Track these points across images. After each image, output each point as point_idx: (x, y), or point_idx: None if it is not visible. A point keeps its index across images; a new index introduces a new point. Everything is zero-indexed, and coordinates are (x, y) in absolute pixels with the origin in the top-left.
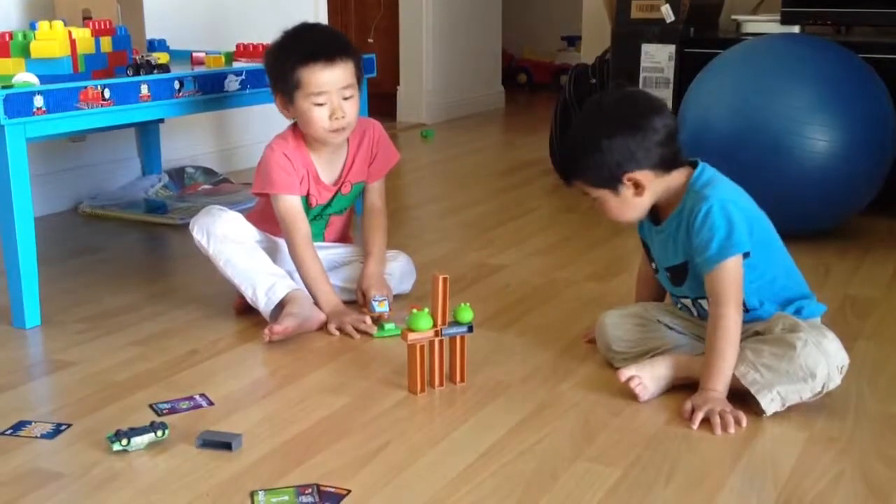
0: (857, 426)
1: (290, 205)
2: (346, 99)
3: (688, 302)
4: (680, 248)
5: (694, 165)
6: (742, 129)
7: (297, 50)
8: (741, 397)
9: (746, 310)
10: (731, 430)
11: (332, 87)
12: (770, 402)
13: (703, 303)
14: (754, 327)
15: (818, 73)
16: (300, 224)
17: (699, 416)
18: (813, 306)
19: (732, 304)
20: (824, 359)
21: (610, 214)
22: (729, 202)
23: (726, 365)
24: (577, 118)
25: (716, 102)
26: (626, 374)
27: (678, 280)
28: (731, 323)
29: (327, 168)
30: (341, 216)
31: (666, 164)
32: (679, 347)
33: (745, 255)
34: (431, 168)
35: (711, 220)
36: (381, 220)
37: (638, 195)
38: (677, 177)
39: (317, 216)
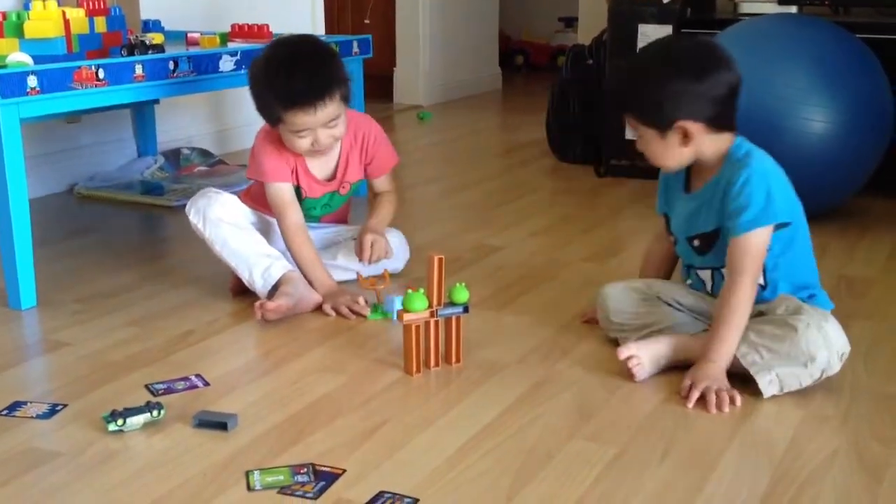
0: (853, 405)
1: (281, 192)
2: (330, 128)
3: (706, 274)
4: (714, 216)
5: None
6: (739, 109)
7: (278, 93)
8: (740, 378)
9: (763, 286)
10: (726, 409)
11: (315, 125)
12: (768, 385)
13: (725, 272)
14: (759, 307)
15: (815, 53)
16: (291, 211)
17: (695, 394)
18: (824, 299)
19: (750, 276)
20: (825, 343)
21: (649, 154)
22: (771, 173)
23: (731, 335)
24: (648, 46)
25: None
26: (625, 352)
27: (704, 248)
28: (744, 294)
29: (318, 163)
30: (334, 212)
31: (719, 123)
32: (679, 325)
33: (781, 226)
34: (428, 150)
35: (751, 187)
36: (390, 196)
37: (683, 145)
38: (723, 140)
39: (311, 208)
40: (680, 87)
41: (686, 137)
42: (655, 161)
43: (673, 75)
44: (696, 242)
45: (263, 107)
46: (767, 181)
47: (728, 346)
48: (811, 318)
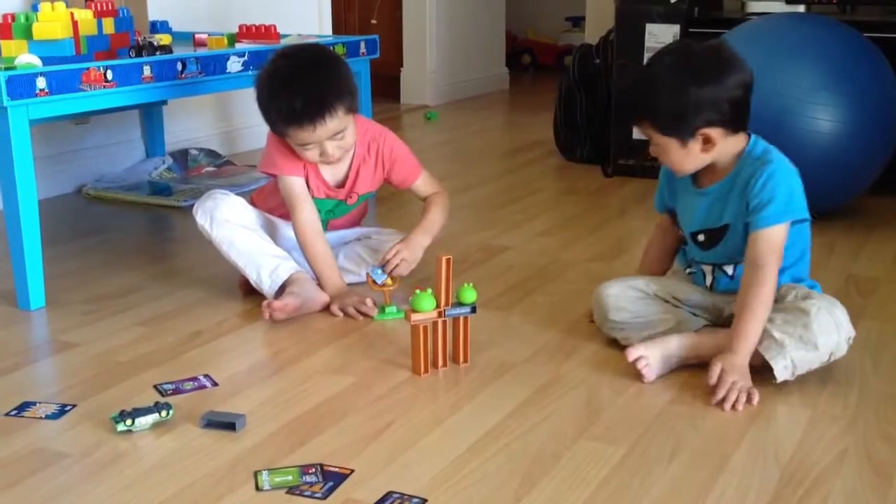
0: (861, 404)
1: (293, 185)
2: (337, 140)
3: (708, 269)
4: (727, 211)
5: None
6: None
7: (279, 111)
8: (749, 365)
9: None
10: (741, 407)
11: (318, 139)
12: (783, 370)
13: (728, 269)
14: None
15: (823, 52)
16: (304, 206)
17: (725, 387)
18: (819, 290)
19: (773, 268)
20: (836, 327)
21: (668, 162)
22: (791, 170)
23: (756, 328)
24: (661, 55)
25: None
26: (634, 353)
27: (710, 243)
28: (768, 286)
29: (330, 168)
30: (341, 219)
31: (737, 125)
32: (679, 322)
33: (797, 222)
34: (435, 149)
35: (775, 181)
36: (436, 198)
37: (704, 151)
38: (740, 140)
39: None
40: (699, 95)
41: (707, 143)
42: (673, 167)
43: (691, 83)
44: (700, 237)
45: (268, 121)
46: (789, 178)
47: (752, 336)
48: (822, 302)
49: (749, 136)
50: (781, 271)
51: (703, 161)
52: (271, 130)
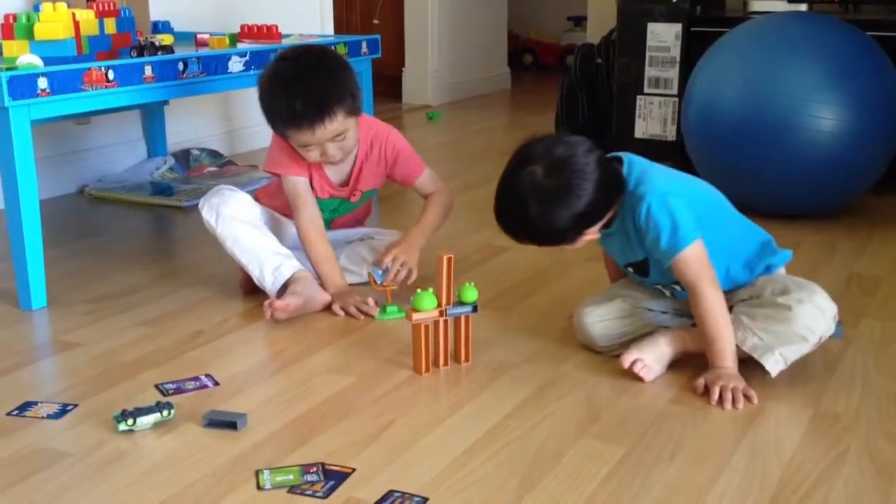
0: (863, 403)
1: (297, 185)
2: (338, 142)
3: (660, 287)
4: (636, 246)
5: (619, 161)
6: (749, 107)
7: (279, 114)
8: (740, 362)
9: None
10: (740, 406)
11: (319, 141)
12: (774, 364)
13: (675, 287)
14: (738, 295)
15: (825, 51)
16: (307, 205)
17: (715, 392)
18: (778, 255)
19: (707, 284)
20: (821, 315)
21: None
22: (666, 195)
23: (726, 343)
24: (511, 187)
25: (723, 82)
26: (628, 358)
27: (643, 273)
28: (713, 303)
29: (333, 168)
30: (345, 217)
31: (611, 206)
32: (664, 326)
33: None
34: (437, 149)
35: (654, 218)
36: (436, 197)
37: (595, 236)
38: (619, 202)
39: (320, 211)
40: (562, 224)
41: (593, 237)
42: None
43: (551, 218)
44: (630, 269)
45: (269, 122)
46: (667, 206)
47: (729, 352)
48: (801, 293)
49: (621, 161)
50: (729, 269)
51: (594, 238)
52: (274, 129)
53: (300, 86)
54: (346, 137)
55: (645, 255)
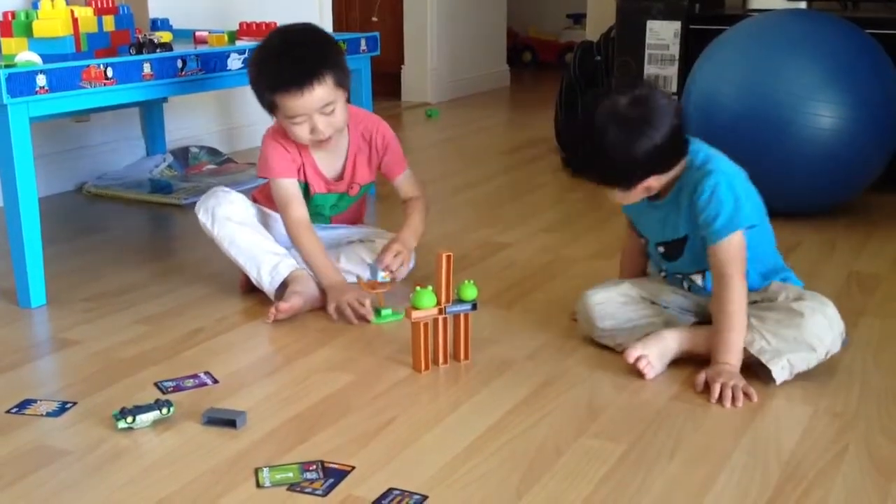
0: (862, 401)
1: (285, 187)
2: (326, 114)
3: (680, 276)
4: (682, 223)
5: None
6: (748, 105)
7: (267, 77)
8: (745, 367)
9: None
10: (740, 403)
11: (307, 110)
12: (781, 371)
13: (696, 278)
14: (751, 297)
15: (825, 48)
16: (295, 205)
17: (716, 390)
18: (794, 279)
19: (738, 276)
20: (829, 327)
21: (613, 202)
22: (734, 176)
23: (736, 336)
24: (589, 114)
25: (722, 79)
26: (633, 353)
27: (673, 255)
28: (738, 294)
29: (326, 160)
30: (344, 213)
31: (675, 163)
32: (667, 323)
33: (748, 227)
34: (437, 147)
35: (719, 194)
36: (416, 203)
37: (646, 192)
38: (680, 166)
39: (321, 208)
40: (633, 155)
41: (649, 188)
42: (614, 202)
43: (625, 145)
44: (661, 249)
45: (258, 93)
46: (734, 187)
47: (736, 347)
48: (814, 303)
49: (688, 142)
50: (749, 273)
51: (646, 195)
52: (263, 107)
53: (289, 53)
54: (335, 111)
55: (686, 233)
